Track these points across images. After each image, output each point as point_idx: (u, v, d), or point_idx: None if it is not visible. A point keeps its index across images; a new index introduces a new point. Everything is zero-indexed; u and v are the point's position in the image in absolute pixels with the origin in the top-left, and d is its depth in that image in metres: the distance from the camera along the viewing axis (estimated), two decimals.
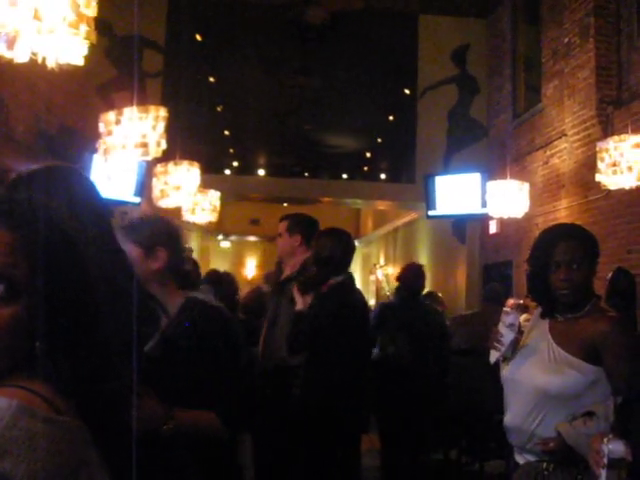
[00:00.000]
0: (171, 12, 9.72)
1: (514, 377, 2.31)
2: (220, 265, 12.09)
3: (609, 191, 6.00)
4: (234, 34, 10.03)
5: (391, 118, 10.80)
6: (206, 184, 7.23)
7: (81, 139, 7.19)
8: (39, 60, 2.57)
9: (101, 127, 4.79)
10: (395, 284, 5.97)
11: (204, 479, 1.94)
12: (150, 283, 2.16)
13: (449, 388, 5.46)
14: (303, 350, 3.61)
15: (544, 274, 2.30)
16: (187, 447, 1.91)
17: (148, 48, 9.32)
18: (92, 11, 2.66)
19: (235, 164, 10.98)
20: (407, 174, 10.30)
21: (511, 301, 2.37)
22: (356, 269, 15.71)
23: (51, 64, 2.58)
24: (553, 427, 2.13)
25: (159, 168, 6.24)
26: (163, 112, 4.82)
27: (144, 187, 7.60)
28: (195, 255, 9.99)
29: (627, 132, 5.66)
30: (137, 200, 7.86)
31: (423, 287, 5.70)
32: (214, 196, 7.51)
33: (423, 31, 10.19)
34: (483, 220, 9.18)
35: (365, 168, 11.23)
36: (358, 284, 4.35)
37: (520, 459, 2.29)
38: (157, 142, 4.75)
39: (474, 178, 8.86)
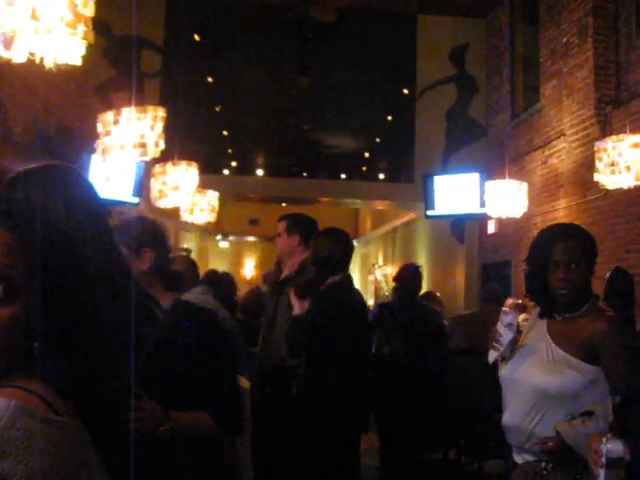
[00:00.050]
0: (169, 12, 9.72)
1: (513, 377, 2.31)
2: (219, 265, 12.09)
3: (607, 191, 6.00)
4: (233, 34, 10.03)
5: (390, 118, 10.80)
6: (204, 184, 7.23)
7: (79, 139, 7.19)
8: (37, 60, 2.57)
9: (99, 127, 4.79)
10: (393, 284, 6.00)
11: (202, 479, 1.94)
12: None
13: (448, 388, 5.46)
14: (302, 354, 3.61)
15: (542, 274, 2.30)
16: (184, 448, 1.91)
17: (146, 48, 9.32)
18: (90, 11, 2.66)
19: (234, 164, 10.97)
20: (406, 174, 10.31)
21: (510, 301, 2.37)
22: (355, 269, 15.71)
23: (49, 64, 2.58)
24: (552, 427, 2.13)
25: (157, 168, 6.24)
26: (161, 112, 4.82)
27: (142, 187, 7.59)
28: (194, 255, 9.99)
29: (625, 132, 5.66)
30: (135, 200, 7.86)
31: (420, 287, 5.73)
32: (212, 196, 7.51)
33: (422, 31, 10.19)
34: (482, 220, 9.18)
35: (364, 168, 11.24)
36: (357, 284, 4.35)
37: (519, 459, 2.29)
38: (155, 142, 4.75)
39: (473, 178, 8.86)
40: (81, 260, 1.02)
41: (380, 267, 15.48)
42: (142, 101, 5.23)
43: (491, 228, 9.24)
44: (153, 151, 4.76)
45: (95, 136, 4.87)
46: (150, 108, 4.84)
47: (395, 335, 5.22)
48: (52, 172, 1.62)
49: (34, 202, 1.01)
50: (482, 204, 7.89)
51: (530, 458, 2.24)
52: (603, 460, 1.68)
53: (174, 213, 7.59)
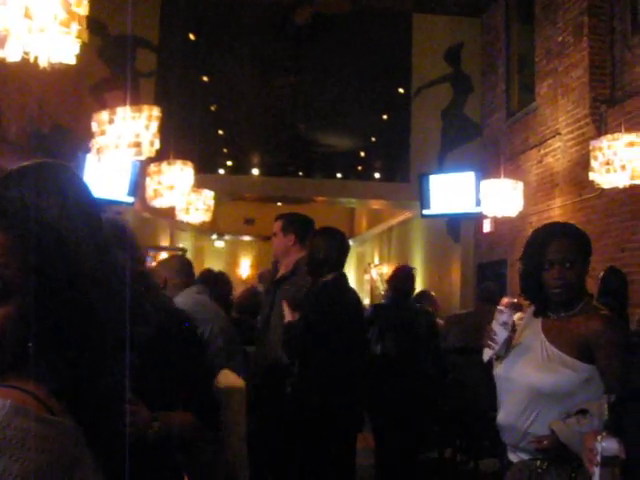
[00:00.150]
0: (164, 12, 9.72)
1: (507, 375, 2.31)
2: (214, 265, 12.07)
3: (603, 190, 6.01)
4: (228, 34, 10.02)
5: (385, 117, 10.80)
6: (200, 184, 7.22)
7: (74, 139, 7.17)
8: (31, 59, 2.56)
9: (94, 127, 4.78)
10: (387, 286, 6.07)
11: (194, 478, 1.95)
12: None
13: (446, 388, 5.48)
14: (299, 357, 3.62)
15: (537, 273, 2.30)
16: (176, 447, 1.91)
17: (141, 47, 9.30)
18: (84, 10, 2.65)
19: (229, 163, 10.96)
20: (401, 173, 10.31)
21: (505, 300, 2.38)
22: (350, 268, 15.72)
23: (43, 63, 2.57)
24: (547, 425, 2.13)
25: (152, 168, 6.23)
26: (156, 112, 4.82)
27: (137, 187, 7.59)
28: (189, 255, 9.99)
29: (620, 131, 5.67)
30: (130, 200, 7.85)
31: (413, 289, 5.81)
32: (208, 196, 7.51)
33: (417, 30, 10.19)
34: (477, 219, 9.20)
35: (359, 167, 11.23)
36: (352, 283, 4.36)
37: (514, 457, 2.29)
38: (150, 142, 4.74)
39: (468, 177, 8.87)
40: (75, 259, 1.02)
41: (376, 266, 15.48)
42: (137, 100, 5.22)
43: (487, 227, 9.25)
44: (148, 150, 4.75)
45: (90, 135, 4.87)
46: (145, 107, 4.83)
47: (388, 336, 5.27)
48: (45, 170, 1.61)
49: (28, 202, 1.00)
50: (478, 203, 7.90)
51: (525, 457, 2.24)
52: (598, 458, 1.69)
53: (169, 212, 7.59)
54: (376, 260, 15.94)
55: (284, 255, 4.09)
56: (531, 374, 2.23)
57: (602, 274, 4.97)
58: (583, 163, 6.57)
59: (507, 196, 7.26)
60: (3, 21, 2.42)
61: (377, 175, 10.96)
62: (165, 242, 12.68)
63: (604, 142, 5.55)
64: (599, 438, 1.70)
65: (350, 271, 14.75)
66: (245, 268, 18.21)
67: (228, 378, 3.02)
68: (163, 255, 9.08)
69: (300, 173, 10.81)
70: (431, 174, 9.29)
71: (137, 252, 2.27)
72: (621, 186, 5.52)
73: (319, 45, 10.17)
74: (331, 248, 3.73)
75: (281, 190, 10.34)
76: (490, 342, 2.33)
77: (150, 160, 5.53)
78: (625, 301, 4.91)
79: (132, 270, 2.12)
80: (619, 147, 5.43)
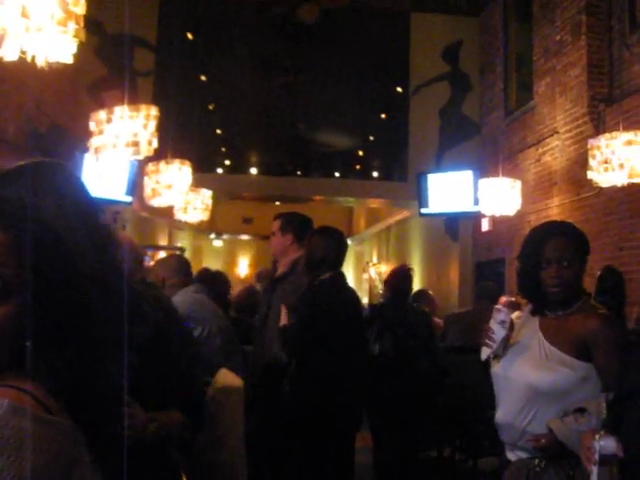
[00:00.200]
0: (162, 11, 9.71)
1: (505, 374, 2.31)
2: (213, 264, 12.08)
3: (601, 188, 6.02)
4: (225, 33, 10.01)
5: (383, 116, 10.81)
6: (198, 183, 7.23)
7: (72, 138, 7.17)
8: (28, 58, 2.56)
9: (92, 126, 4.78)
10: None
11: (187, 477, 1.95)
12: None
13: (446, 387, 5.48)
14: (296, 357, 3.62)
15: (535, 271, 2.30)
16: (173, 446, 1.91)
17: (139, 47, 9.30)
18: (81, 9, 2.65)
19: (227, 163, 10.96)
20: (399, 172, 10.32)
21: (504, 299, 2.38)
22: (349, 267, 15.72)
23: (40, 63, 2.57)
24: (544, 424, 2.13)
25: (151, 167, 6.23)
26: (154, 111, 4.82)
27: (136, 186, 7.58)
28: (187, 254, 9.99)
29: (619, 129, 5.68)
30: (129, 199, 7.85)
31: (410, 289, 5.81)
32: (206, 195, 7.51)
33: (415, 29, 10.20)
34: (475, 218, 9.20)
35: (357, 166, 11.24)
36: (351, 282, 4.37)
37: (512, 456, 2.29)
38: (148, 141, 4.74)
39: (466, 176, 8.88)
40: (73, 259, 1.02)
41: (374, 265, 15.49)
42: (135, 100, 5.22)
43: (485, 226, 9.26)
44: (146, 150, 4.75)
45: (88, 135, 4.87)
46: (143, 107, 4.83)
47: (386, 335, 5.27)
48: (43, 170, 1.61)
49: (26, 201, 1.00)
50: (476, 202, 7.90)
51: (523, 455, 2.24)
52: (596, 457, 1.69)
53: (167, 212, 7.59)
54: (374, 259, 15.94)
55: (282, 254, 4.10)
56: (529, 373, 2.23)
57: (599, 273, 4.98)
58: (581, 162, 6.57)
59: (505, 195, 7.27)
60: (0, 20, 2.42)
61: (375, 174, 10.97)
62: (163, 241, 12.68)
63: (602, 141, 5.56)
64: (597, 436, 1.71)
65: (348, 270, 14.76)
66: (243, 267, 18.22)
67: (226, 377, 3.02)
68: (161, 254, 9.07)
69: (298, 172, 10.82)
70: (429, 173, 9.30)
71: (135, 252, 2.27)
72: (619, 185, 5.53)
73: (317, 44, 10.17)
74: (329, 247, 3.74)
75: (279, 189, 10.34)
76: (488, 341, 2.33)
77: (148, 159, 5.53)
78: (622, 300, 4.92)
79: (130, 270, 2.13)
80: (617, 146, 5.43)
